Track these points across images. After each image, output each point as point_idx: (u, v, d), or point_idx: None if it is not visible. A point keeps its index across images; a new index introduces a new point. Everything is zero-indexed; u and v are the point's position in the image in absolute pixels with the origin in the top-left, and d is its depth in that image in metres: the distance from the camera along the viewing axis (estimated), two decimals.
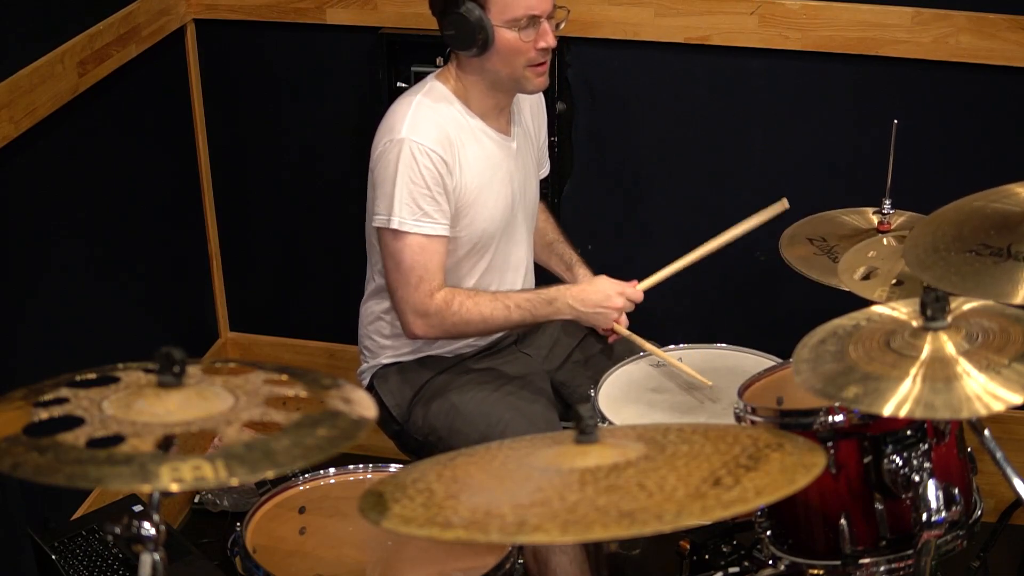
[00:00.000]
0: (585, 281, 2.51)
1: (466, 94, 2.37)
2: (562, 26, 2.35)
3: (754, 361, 2.36)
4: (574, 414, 1.47)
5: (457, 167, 2.31)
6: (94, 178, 2.73)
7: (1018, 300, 1.70)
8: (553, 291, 2.40)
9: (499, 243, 2.45)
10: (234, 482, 1.27)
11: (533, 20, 2.27)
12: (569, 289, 2.42)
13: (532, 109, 2.56)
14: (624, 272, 2.52)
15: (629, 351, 2.46)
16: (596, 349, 2.59)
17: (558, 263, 2.67)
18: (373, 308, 2.52)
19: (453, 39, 2.29)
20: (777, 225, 2.50)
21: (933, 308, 1.57)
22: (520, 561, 1.93)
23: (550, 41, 2.29)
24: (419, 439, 2.45)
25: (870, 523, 1.75)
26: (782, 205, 2.47)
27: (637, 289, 2.42)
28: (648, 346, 2.41)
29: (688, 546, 2.25)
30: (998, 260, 1.79)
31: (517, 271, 2.51)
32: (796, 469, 1.39)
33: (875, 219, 2.43)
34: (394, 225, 2.28)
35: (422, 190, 2.27)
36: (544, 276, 2.65)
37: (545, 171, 2.68)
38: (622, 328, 2.44)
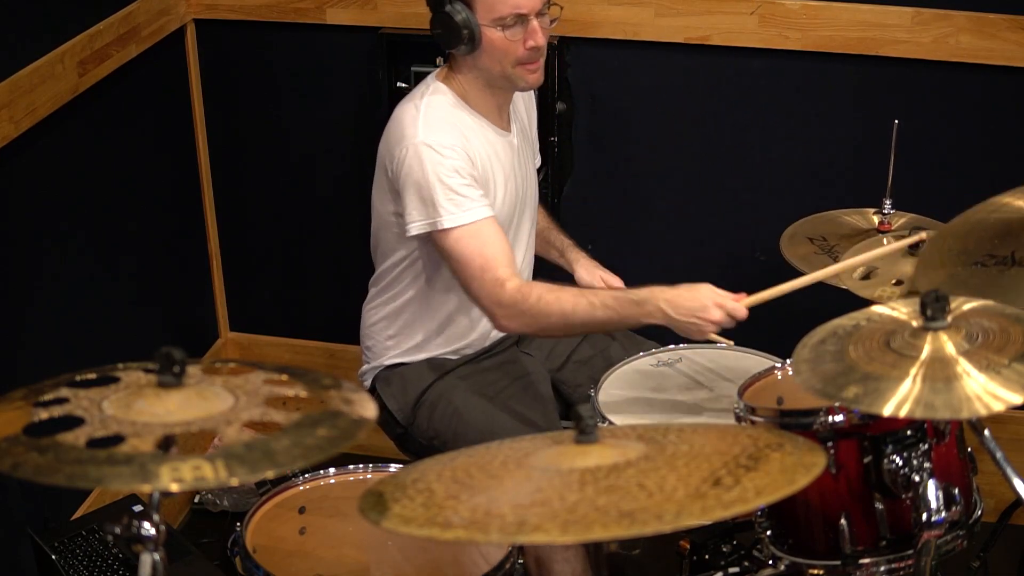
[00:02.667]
0: (686, 285, 2.21)
1: (465, 92, 2.36)
2: (555, 23, 2.34)
3: (754, 361, 2.36)
4: (574, 414, 1.47)
5: (474, 161, 2.30)
6: (94, 178, 2.73)
7: None
8: (645, 292, 2.20)
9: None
10: (234, 482, 1.27)
11: (521, 19, 2.25)
12: (664, 291, 2.18)
13: (524, 102, 2.56)
14: (624, 272, 2.52)
15: (630, 351, 2.46)
16: (597, 348, 2.58)
17: (551, 250, 2.67)
18: (375, 309, 2.51)
19: (440, 38, 2.29)
20: (778, 225, 2.50)
21: (933, 308, 1.57)
22: (520, 561, 1.93)
23: (539, 40, 2.27)
24: (423, 443, 2.44)
25: (870, 523, 1.75)
26: (923, 234, 2.20)
27: (741, 305, 2.16)
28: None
29: (688, 546, 2.25)
30: (1003, 268, 1.80)
31: (519, 265, 2.50)
32: (796, 469, 1.39)
33: (875, 219, 2.43)
34: (443, 225, 2.23)
35: (457, 180, 2.24)
36: (540, 267, 2.65)
37: (537, 162, 2.67)
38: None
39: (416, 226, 2.27)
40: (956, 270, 1.85)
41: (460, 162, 2.25)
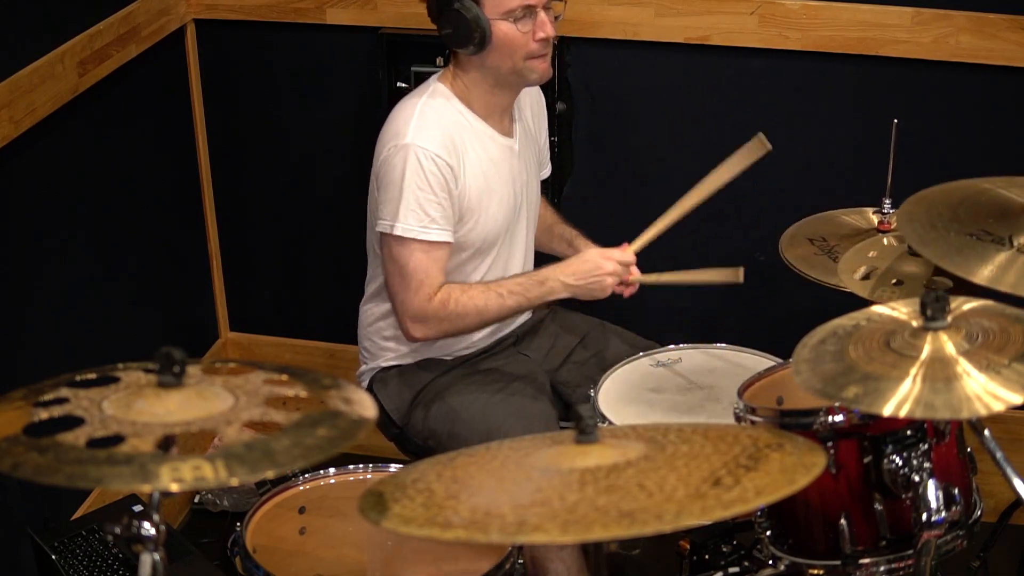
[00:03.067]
0: (573, 257, 2.43)
1: (468, 95, 2.36)
2: (560, 18, 2.34)
3: (754, 361, 2.36)
4: (574, 414, 1.47)
5: (462, 171, 2.31)
6: (94, 178, 2.73)
7: None
8: (544, 271, 2.36)
9: (502, 245, 2.44)
10: (234, 482, 1.27)
11: (529, 10, 2.26)
12: (558, 267, 2.37)
13: (533, 109, 2.55)
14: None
15: (629, 351, 2.46)
16: (596, 348, 2.59)
17: (560, 242, 2.66)
18: (373, 309, 2.51)
19: (451, 38, 2.29)
20: (778, 225, 2.50)
21: (933, 308, 1.57)
22: (520, 561, 1.93)
23: (548, 31, 2.28)
24: (419, 443, 2.44)
25: (870, 523, 1.75)
26: (760, 142, 2.38)
27: (628, 251, 2.37)
28: (664, 277, 2.38)
29: (688, 546, 2.25)
30: (1000, 248, 1.79)
31: (518, 271, 2.50)
32: (796, 469, 1.39)
33: (875, 219, 2.43)
34: (399, 231, 2.27)
35: (428, 196, 2.26)
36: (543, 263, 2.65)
37: (546, 172, 2.67)
38: (637, 276, 2.38)
39: (380, 224, 2.30)
40: (947, 235, 1.84)
41: (439, 176, 2.26)
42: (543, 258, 2.66)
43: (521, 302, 2.35)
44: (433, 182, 2.26)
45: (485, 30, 2.25)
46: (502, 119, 2.42)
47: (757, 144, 2.38)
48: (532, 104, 2.55)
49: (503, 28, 2.26)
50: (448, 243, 2.31)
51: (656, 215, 3.02)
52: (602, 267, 2.34)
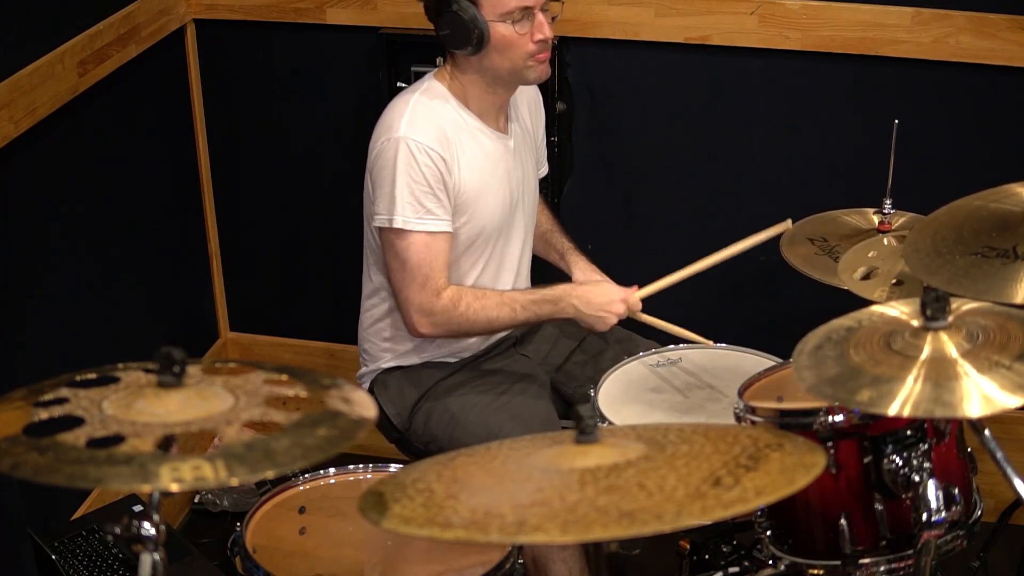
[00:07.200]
0: (591, 283, 2.49)
1: (464, 93, 2.36)
2: (557, 18, 2.34)
3: (754, 361, 2.36)
4: (574, 414, 1.47)
5: (455, 165, 2.31)
6: (94, 178, 2.73)
7: None
8: (559, 290, 2.39)
9: (497, 242, 2.44)
10: (234, 482, 1.27)
11: (526, 12, 2.26)
12: (575, 289, 2.41)
13: (530, 107, 2.55)
14: (624, 271, 2.52)
15: (629, 351, 2.47)
16: (596, 349, 2.59)
17: (552, 252, 2.67)
18: (372, 311, 2.51)
19: (449, 39, 2.29)
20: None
21: (933, 308, 1.57)
22: (520, 561, 1.93)
23: (546, 32, 2.29)
24: (420, 447, 2.44)
25: (870, 523, 1.75)
26: (786, 225, 2.44)
27: (635, 297, 2.41)
28: (655, 321, 2.43)
29: (688, 546, 2.25)
30: (1006, 262, 1.79)
31: (514, 269, 2.50)
32: (796, 469, 1.39)
33: (876, 219, 2.43)
34: (397, 224, 2.27)
35: (423, 188, 2.27)
36: (540, 268, 2.65)
37: (544, 171, 2.67)
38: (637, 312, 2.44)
39: (377, 219, 2.30)
40: (954, 259, 1.84)
41: (432, 168, 2.26)
42: (539, 260, 2.67)
43: (531, 318, 2.38)
44: (427, 173, 2.26)
45: (483, 31, 2.25)
46: (497, 117, 2.42)
47: (783, 226, 2.45)
48: (529, 103, 2.55)
49: (501, 30, 2.26)
50: (448, 233, 2.31)
51: (655, 216, 3.04)
52: (614, 308, 2.38)
